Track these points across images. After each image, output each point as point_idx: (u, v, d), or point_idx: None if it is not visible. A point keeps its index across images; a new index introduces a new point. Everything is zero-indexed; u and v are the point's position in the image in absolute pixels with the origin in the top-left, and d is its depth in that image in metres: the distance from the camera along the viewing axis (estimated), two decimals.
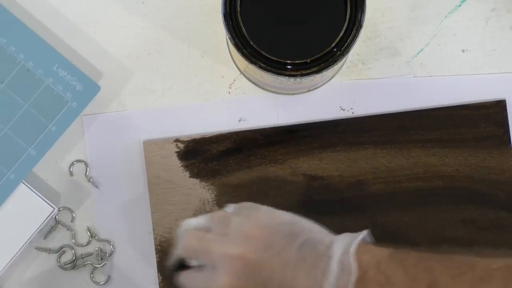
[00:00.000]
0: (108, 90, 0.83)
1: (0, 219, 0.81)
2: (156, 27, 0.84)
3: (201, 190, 0.82)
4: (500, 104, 0.83)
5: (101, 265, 0.82)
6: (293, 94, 0.83)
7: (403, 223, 0.82)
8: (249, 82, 0.83)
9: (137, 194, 0.83)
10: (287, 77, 0.73)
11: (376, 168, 0.82)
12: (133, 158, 0.83)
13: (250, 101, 0.83)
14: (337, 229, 0.81)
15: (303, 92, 0.83)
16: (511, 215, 0.82)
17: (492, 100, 0.83)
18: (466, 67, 0.83)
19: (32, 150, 0.81)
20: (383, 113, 0.83)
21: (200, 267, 0.72)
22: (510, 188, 0.82)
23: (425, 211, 0.82)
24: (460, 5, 0.84)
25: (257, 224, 0.70)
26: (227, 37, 0.74)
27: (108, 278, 0.83)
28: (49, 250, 0.82)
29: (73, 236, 0.83)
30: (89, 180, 0.83)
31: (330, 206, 0.82)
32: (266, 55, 0.73)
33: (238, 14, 0.73)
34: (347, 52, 0.73)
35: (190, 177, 0.83)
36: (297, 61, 0.73)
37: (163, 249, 0.82)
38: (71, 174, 0.83)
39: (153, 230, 0.82)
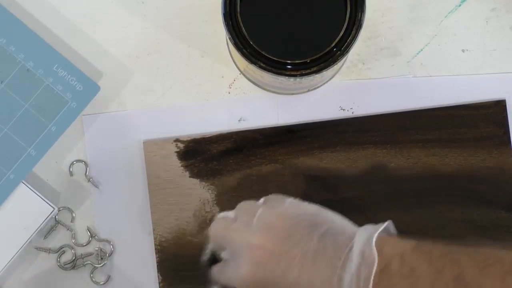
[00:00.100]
0: (108, 90, 0.83)
1: (0, 219, 0.81)
2: (156, 27, 0.84)
3: (201, 190, 0.82)
4: (500, 104, 0.83)
5: (101, 265, 0.82)
6: (293, 94, 0.83)
7: (403, 223, 0.82)
8: (249, 82, 0.83)
9: (137, 194, 0.83)
10: (287, 77, 0.73)
11: (376, 168, 0.82)
12: (133, 158, 0.83)
13: (250, 101, 0.83)
14: None
15: (303, 92, 0.83)
16: (511, 215, 0.82)
17: (492, 100, 0.83)
18: (466, 67, 0.83)
19: (32, 150, 0.81)
20: (383, 113, 0.83)
21: (227, 259, 0.73)
22: (510, 188, 0.82)
23: (425, 211, 0.82)
24: (460, 5, 0.84)
25: (280, 215, 0.70)
26: (227, 37, 0.74)
27: (108, 278, 0.83)
28: (49, 250, 0.82)
29: (73, 236, 0.83)
30: (89, 180, 0.83)
31: (330, 206, 0.82)
32: (266, 55, 0.73)
33: (238, 14, 0.73)
34: (347, 52, 0.73)
35: (190, 177, 0.83)
36: (297, 61, 0.73)
37: (163, 249, 0.82)
38: (71, 174, 0.83)
39: (153, 230, 0.82)
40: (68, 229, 0.83)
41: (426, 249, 0.66)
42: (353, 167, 0.82)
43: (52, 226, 0.82)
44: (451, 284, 0.63)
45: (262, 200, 0.74)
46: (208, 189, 0.82)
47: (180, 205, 0.82)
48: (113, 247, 0.83)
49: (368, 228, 0.69)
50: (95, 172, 0.83)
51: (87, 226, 0.83)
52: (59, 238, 0.83)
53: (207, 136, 0.83)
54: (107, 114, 0.83)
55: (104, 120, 0.83)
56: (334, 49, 0.73)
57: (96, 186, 0.83)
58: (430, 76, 0.83)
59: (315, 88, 0.83)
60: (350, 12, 0.73)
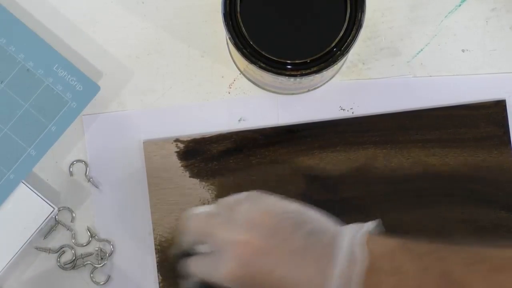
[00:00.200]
0: (108, 90, 0.83)
1: (0, 219, 0.81)
2: (156, 27, 0.84)
3: (201, 190, 0.82)
4: (500, 104, 0.83)
5: (101, 265, 0.82)
6: (293, 94, 0.83)
7: (403, 223, 0.82)
8: (249, 82, 0.83)
9: (137, 194, 0.83)
10: (287, 77, 0.73)
11: (376, 168, 0.82)
12: (133, 158, 0.83)
13: (250, 101, 0.83)
14: None
15: (303, 92, 0.83)
16: (511, 215, 0.82)
17: (492, 100, 0.83)
18: (466, 67, 0.83)
19: (32, 150, 0.81)
20: (383, 113, 0.83)
21: (207, 253, 0.72)
22: (510, 188, 0.82)
23: (425, 211, 0.82)
24: (460, 5, 0.84)
25: (264, 212, 0.70)
26: (227, 37, 0.74)
27: (108, 278, 0.83)
28: (49, 250, 0.82)
29: (73, 236, 0.83)
30: (89, 180, 0.83)
31: (330, 206, 0.82)
32: (266, 55, 0.73)
33: (238, 14, 0.73)
34: (347, 52, 0.73)
35: (190, 177, 0.83)
36: (297, 61, 0.73)
37: (163, 249, 0.82)
38: (71, 174, 0.83)
39: (153, 230, 0.82)
40: (68, 229, 0.83)
41: (413, 247, 0.66)
42: (353, 167, 0.82)
43: (52, 226, 0.82)
44: (437, 281, 0.64)
45: (242, 194, 0.73)
46: (208, 189, 0.82)
47: (180, 205, 0.82)
48: (113, 247, 0.83)
49: (354, 226, 0.69)
50: (95, 172, 0.83)
51: (87, 226, 0.83)
52: (59, 238, 0.83)
53: (207, 136, 0.83)
54: (107, 114, 0.83)
55: (104, 120, 0.83)
56: (334, 49, 0.73)
57: (96, 186, 0.83)
58: (430, 76, 0.83)
59: (315, 88, 0.83)
60: (350, 12, 0.73)
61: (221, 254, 0.69)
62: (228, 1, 0.73)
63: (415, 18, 0.83)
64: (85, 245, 0.83)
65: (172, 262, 0.76)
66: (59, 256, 0.83)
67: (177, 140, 0.83)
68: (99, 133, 0.83)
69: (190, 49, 0.84)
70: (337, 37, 0.73)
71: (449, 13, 0.84)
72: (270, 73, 0.73)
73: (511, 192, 0.82)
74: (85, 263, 0.82)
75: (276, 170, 0.82)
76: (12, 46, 0.81)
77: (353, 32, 0.73)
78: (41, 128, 0.81)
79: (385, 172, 0.82)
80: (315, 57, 0.73)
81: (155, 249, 0.82)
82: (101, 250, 0.82)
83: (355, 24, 0.73)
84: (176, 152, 0.83)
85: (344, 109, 0.83)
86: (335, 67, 0.75)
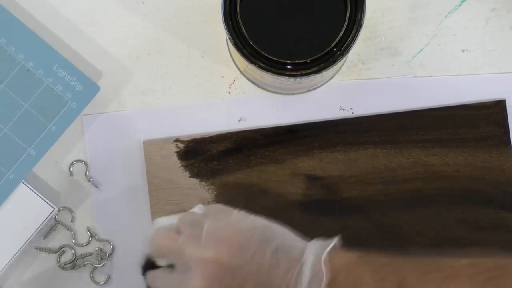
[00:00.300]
0: (108, 90, 0.83)
1: (0, 219, 0.81)
2: (156, 27, 0.84)
3: (201, 190, 0.82)
4: (500, 104, 0.83)
5: (101, 265, 0.82)
6: (293, 94, 0.83)
7: (403, 223, 0.82)
8: (249, 82, 0.83)
9: (137, 194, 0.83)
10: (287, 77, 0.73)
11: (376, 168, 0.82)
12: (133, 158, 0.83)
13: (250, 101, 0.83)
14: (337, 229, 0.81)
15: (303, 92, 0.83)
16: (511, 215, 0.82)
17: (492, 100, 0.83)
18: (466, 67, 0.83)
19: (32, 150, 0.81)
20: (383, 113, 0.83)
21: (169, 267, 0.71)
22: (510, 188, 0.82)
23: (425, 211, 0.82)
24: (460, 5, 0.84)
25: (230, 228, 0.70)
26: (227, 37, 0.74)
27: (108, 278, 0.83)
28: (49, 250, 0.82)
29: (73, 236, 0.83)
30: (89, 180, 0.83)
31: (330, 206, 0.82)
32: (266, 55, 0.73)
33: (238, 14, 0.73)
34: (347, 52, 0.73)
35: (190, 177, 0.83)
36: (297, 61, 0.73)
37: None
38: (71, 174, 0.83)
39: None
40: (68, 229, 0.83)
41: (370, 259, 0.67)
42: (353, 167, 0.82)
43: (52, 226, 0.82)
44: None
45: (200, 208, 0.73)
46: (208, 189, 0.82)
47: (180, 205, 0.82)
48: (113, 247, 0.83)
49: (318, 242, 0.69)
50: (95, 172, 0.83)
51: (87, 226, 0.83)
52: (59, 238, 0.83)
53: (207, 136, 0.83)
54: (107, 114, 0.83)
55: (104, 120, 0.83)
56: (334, 49, 0.73)
57: (96, 186, 0.83)
58: (430, 76, 0.83)
59: (315, 88, 0.83)
60: (350, 12, 0.73)
61: (188, 271, 0.69)
62: (228, 1, 0.73)
63: (415, 18, 0.83)
64: (85, 245, 0.83)
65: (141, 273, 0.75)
66: (59, 256, 0.83)
67: (177, 140, 0.83)
68: (99, 133, 0.83)
69: (190, 49, 0.84)
70: (337, 37, 0.73)
71: (449, 13, 0.84)
72: (270, 73, 0.73)
73: (511, 192, 0.82)
74: (85, 263, 0.82)
75: (276, 170, 0.82)
76: (12, 46, 0.81)
77: (353, 32, 0.73)
78: (41, 128, 0.81)
79: (385, 172, 0.82)
80: (315, 57, 0.73)
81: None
82: (101, 250, 0.82)
83: (355, 24, 0.73)
84: (176, 152, 0.83)
85: (344, 109, 0.83)
86: (335, 67, 0.74)
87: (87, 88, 0.82)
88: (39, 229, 0.81)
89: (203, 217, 0.71)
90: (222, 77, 0.83)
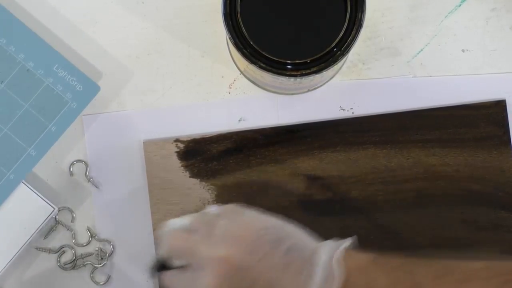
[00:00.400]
0: (108, 90, 0.83)
1: (0, 219, 0.81)
2: (156, 27, 0.84)
3: (201, 190, 0.82)
4: (500, 104, 0.83)
5: (101, 265, 0.82)
6: (293, 94, 0.83)
7: (403, 223, 0.82)
8: (249, 82, 0.83)
9: (137, 194, 0.83)
10: (287, 77, 0.73)
11: (376, 168, 0.82)
12: (133, 158, 0.83)
13: (250, 101, 0.83)
14: (337, 229, 0.81)
15: (303, 92, 0.83)
16: (511, 215, 0.82)
17: (492, 100, 0.83)
18: (466, 67, 0.83)
19: (32, 150, 0.81)
20: (383, 113, 0.83)
21: (183, 267, 0.71)
22: (510, 188, 0.82)
23: (425, 211, 0.82)
24: (460, 5, 0.84)
25: (243, 227, 0.70)
26: (227, 37, 0.74)
27: (108, 278, 0.83)
28: (49, 250, 0.82)
29: (73, 236, 0.83)
30: (89, 180, 0.83)
31: (330, 206, 0.82)
32: (266, 55, 0.73)
33: (238, 14, 0.73)
34: (347, 52, 0.73)
35: (190, 177, 0.83)
36: (297, 61, 0.73)
37: None
38: (71, 174, 0.83)
39: (153, 230, 0.82)
40: (68, 229, 0.83)
41: (384, 261, 0.68)
42: (353, 167, 0.82)
43: (52, 226, 0.82)
44: None
45: (220, 208, 0.73)
46: (208, 189, 0.82)
47: (180, 205, 0.82)
48: (113, 247, 0.83)
49: (331, 243, 0.69)
50: (95, 172, 0.83)
51: (87, 226, 0.83)
52: (59, 238, 0.83)
53: (207, 136, 0.83)
54: (107, 114, 0.83)
55: (104, 120, 0.83)
56: (334, 49, 0.73)
57: (96, 186, 0.83)
58: (430, 76, 0.83)
59: (315, 88, 0.83)
60: (350, 12, 0.73)
61: (201, 271, 0.69)
62: (228, 1, 0.73)
63: (415, 18, 0.83)
64: (85, 245, 0.83)
65: (150, 274, 0.75)
66: (59, 256, 0.83)
67: (177, 140, 0.83)
68: (99, 133, 0.83)
69: (190, 49, 0.84)
70: (337, 37, 0.73)
71: (449, 13, 0.84)
72: (270, 73, 0.73)
73: (511, 192, 0.82)
74: (85, 263, 0.82)
75: (276, 170, 0.82)
76: (12, 46, 0.81)
77: (353, 32, 0.73)
78: (41, 128, 0.81)
79: (385, 172, 0.82)
80: (315, 57, 0.73)
81: (155, 249, 0.82)
82: (101, 250, 0.82)
83: (355, 24, 0.73)
84: (176, 152, 0.83)
85: (344, 109, 0.83)
86: (335, 67, 0.75)
87: (87, 88, 0.82)
88: (39, 229, 0.81)
89: (216, 217, 0.71)
90: (222, 77, 0.84)
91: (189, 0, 0.83)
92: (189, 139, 0.83)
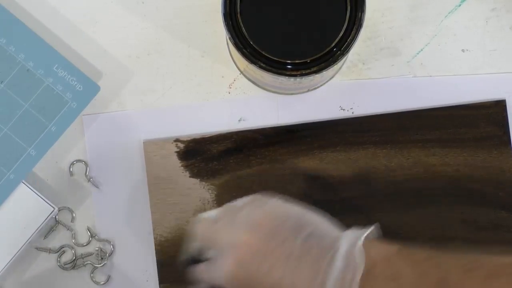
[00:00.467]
0: (108, 90, 0.83)
1: (0, 219, 0.81)
2: (156, 27, 0.84)
3: (201, 190, 0.82)
4: (500, 104, 0.83)
5: (101, 265, 0.82)
6: (293, 94, 0.83)
7: (403, 223, 0.82)
8: (249, 82, 0.83)
9: (137, 194, 0.83)
10: (287, 77, 0.73)
11: (376, 168, 0.82)
12: (133, 158, 0.83)
13: (250, 101, 0.83)
14: None
15: (303, 92, 0.83)
16: (511, 215, 0.82)
17: (492, 100, 0.83)
18: (466, 67, 0.83)
19: (32, 150, 0.81)
20: (383, 113, 0.83)
21: (210, 259, 0.72)
22: (510, 188, 0.82)
23: (425, 211, 0.82)
24: (460, 5, 0.84)
25: (265, 214, 0.70)
26: (227, 37, 0.74)
27: (108, 278, 0.83)
28: (49, 250, 0.82)
29: (73, 236, 0.83)
30: (89, 180, 0.83)
31: (330, 206, 0.82)
32: (266, 55, 0.73)
33: (238, 14, 0.73)
34: (347, 52, 0.73)
35: (190, 177, 0.83)
36: (297, 61, 0.73)
37: (163, 249, 0.82)
38: (71, 174, 0.83)
39: (153, 230, 0.82)
40: (68, 229, 0.83)
41: (410, 252, 0.66)
42: (353, 167, 0.82)
43: (52, 226, 0.82)
44: (435, 287, 0.64)
45: (248, 198, 0.73)
46: (208, 189, 0.82)
47: (180, 205, 0.82)
48: (113, 247, 0.83)
49: (353, 231, 0.69)
50: (95, 172, 0.83)
51: (87, 226, 0.83)
52: (59, 238, 0.83)
53: (207, 136, 0.83)
54: (107, 114, 0.83)
55: (104, 120, 0.83)
56: (334, 49, 0.73)
57: (96, 186, 0.83)
58: (430, 76, 0.83)
59: (315, 88, 0.83)
60: (350, 12, 0.73)
61: (223, 257, 0.70)
62: (228, 1, 0.73)
63: (415, 18, 0.83)
64: (85, 245, 0.83)
65: (180, 269, 0.76)
66: (59, 256, 0.83)
67: (177, 140, 0.83)
68: (99, 133, 0.83)
69: (190, 49, 0.84)
70: (337, 37, 0.73)
71: (449, 13, 0.84)
72: (270, 73, 0.73)
73: (511, 192, 0.82)
74: (85, 263, 0.82)
75: (276, 170, 0.82)
76: (12, 46, 0.81)
77: (353, 32, 0.73)
78: (41, 128, 0.81)
79: (385, 172, 0.82)
80: (315, 57, 0.73)
81: (155, 249, 0.82)
82: (101, 250, 0.82)
83: (355, 24, 0.73)
84: (176, 152, 0.83)
85: (344, 109, 0.83)
86: (335, 67, 0.75)
87: (87, 88, 0.82)
88: (39, 229, 0.81)
89: (241, 207, 0.71)
90: (222, 77, 0.84)
91: (189, 0, 0.83)
92: (189, 139, 0.83)
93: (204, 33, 0.83)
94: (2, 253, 0.80)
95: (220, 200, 0.82)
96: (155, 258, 0.82)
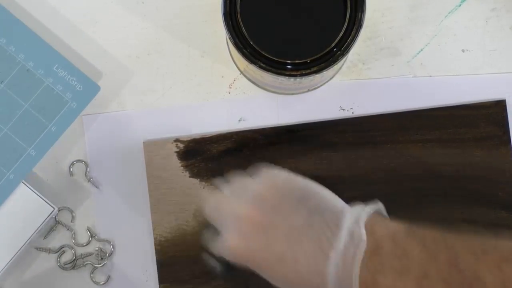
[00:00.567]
0: (108, 90, 0.83)
1: (0, 219, 0.81)
2: (156, 27, 0.84)
3: (201, 190, 0.82)
4: (500, 104, 0.83)
5: (101, 265, 0.82)
6: (293, 94, 0.83)
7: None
8: (249, 82, 0.83)
9: (137, 194, 0.83)
10: (287, 77, 0.73)
11: (376, 168, 0.82)
12: (133, 158, 0.83)
13: (250, 101, 0.83)
14: None
15: (303, 92, 0.83)
16: (511, 215, 0.82)
17: (492, 100, 0.83)
18: (466, 67, 0.83)
19: (32, 150, 0.81)
20: (383, 113, 0.83)
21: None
22: (510, 188, 0.82)
23: (425, 211, 0.82)
24: (460, 5, 0.84)
25: (269, 187, 0.69)
26: (227, 37, 0.74)
27: (108, 278, 0.83)
28: (49, 250, 0.82)
29: (73, 236, 0.83)
30: (89, 180, 0.83)
31: None
32: (266, 55, 0.73)
33: (238, 14, 0.73)
34: (347, 52, 0.73)
35: (190, 177, 0.83)
36: (297, 61, 0.73)
37: (163, 249, 0.82)
38: (71, 174, 0.83)
39: (153, 230, 0.82)
40: (68, 229, 0.83)
41: (420, 233, 0.65)
42: (353, 167, 0.82)
43: (52, 226, 0.82)
44: (445, 270, 0.62)
45: (252, 169, 0.73)
46: (208, 189, 0.82)
47: (180, 205, 0.82)
48: (113, 247, 0.83)
49: (358, 207, 0.67)
50: (95, 172, 0.83)
51: (87, 226, 0.83)
52: (59, 238, 0.83)
53: (207, 136, 0.83)
54: (107, 114, 0.83)
55: (104, 120, 0.83)
56: (334, 49, 0.73)
57: (96, 186, 0.83)
58: (430, 76, 0.83)
59: (315, 88, 0.83)
60: (350, 12, 0.73)
61: (227, 230, 0.69)
62: (228, 1, 0.73)
63: (415, 18, 0.83)
64: (85, 245, 0.83)
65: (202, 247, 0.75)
66: (59, 256, 0.83)
67: (177, 140, 0.83)
68: (99, 133, 0.83)
69: (190, 49, 0.84)
70: (337, 37, 0.73)
71: (449, 13, 0.84)
72: (270, 73, 0.73)
73: (511, 192, 0.82)
74: (85, 263, 0.82)
75: None
76: (12, 46, 0.81)
77: (353, 32, 0.73)
78: (41, 128, 0.81)
79: (385, 172, 0.82)
80: (315, 57, 0.73)
81: (155, 249, 0.82)
82: (101, 250, 0.82)
83: (355, 24, 0.73)
84: (176, 152, 0.83)
85: (344, 109, 0.83)
86: (335, 67, 0.75)
87: (87, 88, 0.82)
88: (39, 229, 0.81)
89: (251, 181, 0.71)
90: (222, 77, 0.84)
91: (189, 0, 0.83)
92: (189, 139, 0.83)
93: (204, 33, 0.83)
94: (2, 253, 0.80)
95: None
96: (155, 258, 0.82)
